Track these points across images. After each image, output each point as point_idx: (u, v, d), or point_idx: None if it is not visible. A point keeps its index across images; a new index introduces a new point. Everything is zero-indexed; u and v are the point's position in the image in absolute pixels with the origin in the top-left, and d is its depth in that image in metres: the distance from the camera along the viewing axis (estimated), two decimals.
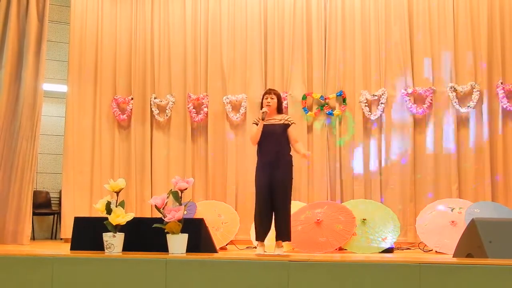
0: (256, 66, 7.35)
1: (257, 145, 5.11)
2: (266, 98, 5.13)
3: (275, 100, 5.13)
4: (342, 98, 7.10)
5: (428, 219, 6.02)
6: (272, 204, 5.01)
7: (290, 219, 5.08)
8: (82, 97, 7.46)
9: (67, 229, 6.81)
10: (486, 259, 3.16)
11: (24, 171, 6.64)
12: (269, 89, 5.31)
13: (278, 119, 5.13)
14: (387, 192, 6.90)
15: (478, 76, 6.80)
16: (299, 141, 5.25)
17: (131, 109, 7.54)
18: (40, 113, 6.81)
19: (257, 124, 5.08)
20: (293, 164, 5.16)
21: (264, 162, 5.03)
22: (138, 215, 5.67)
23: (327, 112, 7.13)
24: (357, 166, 6.98)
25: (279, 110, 5.21)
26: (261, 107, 5.15)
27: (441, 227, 5.79)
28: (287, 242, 5.20)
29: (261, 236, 5.06)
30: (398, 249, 6.10)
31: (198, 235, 3.56)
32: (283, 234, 5.03)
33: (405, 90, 6.92)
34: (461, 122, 6.85)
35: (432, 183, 6.79)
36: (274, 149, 5.00)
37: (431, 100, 6.87)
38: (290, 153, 5.12)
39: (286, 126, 5.10)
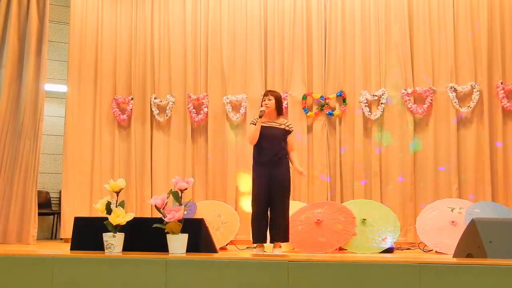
0: (256, 66, 7.35)
1: (254, 146, 5.12)
2: (264, 100, 5.16)
3: (273, 101, 5.14)
4: (342, 98, 7.10)
5: (428, 219, 6.01)
6: (270, 205, 5.01)
7: (288, 220, 5.09)
8: (82, 97, 7.46)
9: (67, 229, 6.82)
10: (486, 259, 3.16)
11: (28, 171, 6.65)
12: (268, 91, 5.32)
13: (278, 123, 5.16)
14: (387, 192, 6.90)
15: (478, 76, 6.80)
16: (295, 150, 5.27)
17: (131, 109, 7.54)
18: (42, 113, 6.83)
19: (255, 124, 5.09)
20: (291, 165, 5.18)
21: (262, 163, 5.03)
22: (138, 215, 5.69)
23: (327, 113, 7.13)
24: (357, 166, 6.98)
25: (279, 111, 5.22)
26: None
27: (441, 227, 5.79)
28: (285, 243, 5.21)
29: (259, 238, 5.05)
30: (398, 249, 6.10)
31: (198, 235, 3.56)
32: (281, 235, 5.03)
33: (405, 90, 6.92)
34: (461, 122, 6.85)
35: (432, 183, 6.79)
36: (273, 151, 5.02)
37: (431, 100, 6.87)
38: (288, 156, 5.14)
39: (286, 132, 5.14)
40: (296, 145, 6.95)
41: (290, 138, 5.16)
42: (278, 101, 5.19)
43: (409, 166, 6.84)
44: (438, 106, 6.90)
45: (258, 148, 5.09)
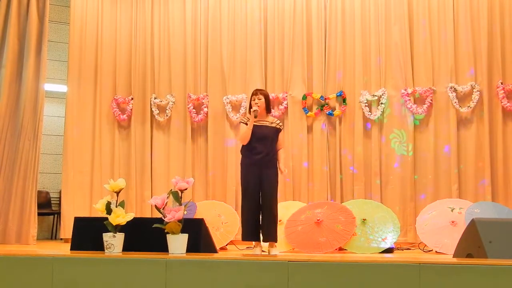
0: (256, 66, 7.35)
1: (245, 144, 5.14)
2: (254, 99, 5.19)
3: (263, 100, 5.18)
4: (342, 98, 7.10)
5: (428, 219, 6.01)
6: (260, 204, 5.03)
7: (277, 220, 5.14)
8: (82, 97, 7.46)
9: (67, 229, 6.82)
10: (486, 259, 3.16)
11: (27, 171, 6.65)
12: (256, 90, 5.35)
13: (269, 121, 5.21)
14: (387, 192, 6.90)
15: (478, 76, 6.80)
16: (284, 148, 5.38)
17: (131, 109, 7.54)
18: (42, 113, 6.82)
19: (246, 124, 5.11)
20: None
21: (253, 162, 5.06)
22: (138, 215, 5.70)
23: (327, 113, 7.13)
24: (357, 166, 6.98)
25: (268, 110, 5.28)
26: (249, 108, 5.23)
27: (441, 227, 5.79)
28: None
29: (253, 236, 5.07)
30: (398, 249, 6.10)
31: (198, 235, 3.56)
32: (271, 235, 5.07)
33: (405, 90, 6.92)
34: (461, 122, 6.85)
35: (432, 183, 6.79)
36: (265, 150, 5.07)
37: (431, 100, 6.87)
38: (276, 157, 5.21)
39: (277, 130, 5.20)
40: (299, 138, 7.03)
41: (280, 136, 5.23)
42: (267, 99, 5.25)
43: (409, 166, 6.84)
44: (438, 106, 6.90)
45: (249, 147, 5.11)
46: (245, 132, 5.09)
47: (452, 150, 6.75)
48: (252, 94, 5.26)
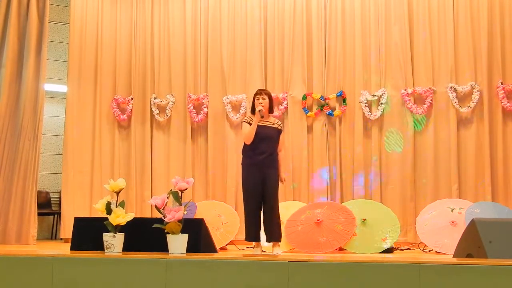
0: (256, 66, 7.35)
1: (247, 144, 5.14)
2: (258, 99, 5.20)
3: (267, 100, 5.20)
4: (342, 98, 7.10)
5: (428, 219, 6.01)
6: (262, 204, 5.03)
7: (280, 219, 5.15)
8: (82, 97, 7.46)
9: (67, 229, 6.82)
10: (486, 259, 3.16)
11: (27, 171, 6.65)
12: (260, 90, 5.36)
13: (271, 122, 5.24)
14: (387, 192, 6.90)
15: (478, 76, 6.80)
16: (284, 150, 5.46)
17: (131, 109, 7.54)
18: (42, 113, 6.83)
19: (250, 124, 5.11)
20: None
21: (255, 162, 5.06)
22: (138, 215, 5.69)
23: (327, 113, 7.13)
24: (357, 166, 6.98)
25: (271, 110, 5.30)
26: (252, 107, 5.23)
27: (441, 227, 5.79)
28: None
29: (255, 236, 5.07)
30: (398, 249, 6.10)
31: (198, 235, 3.56)
32: (276, 235, 5.07)
33: (405, 90, 6.92)
34: (461, 122, 6.85)
35: (432, 183, 6.79)
36: (268, 151, 5.09)
37: (431, 100, 6.87)
38: (277, 158, 5.23)
39: (279, 131, 5.23)
40: (300, 138, 7.05)
41: (281, 137, 5.27)
42: (271, 100, 5.28)
43: (409, 166, 6.84)
44: (438, 106, 6.90)
45: (252, 147, 5.11)
46: (250, 132, 5.08)
47: (452, 150, 6.75)
48: (256, 94, 5.26)
